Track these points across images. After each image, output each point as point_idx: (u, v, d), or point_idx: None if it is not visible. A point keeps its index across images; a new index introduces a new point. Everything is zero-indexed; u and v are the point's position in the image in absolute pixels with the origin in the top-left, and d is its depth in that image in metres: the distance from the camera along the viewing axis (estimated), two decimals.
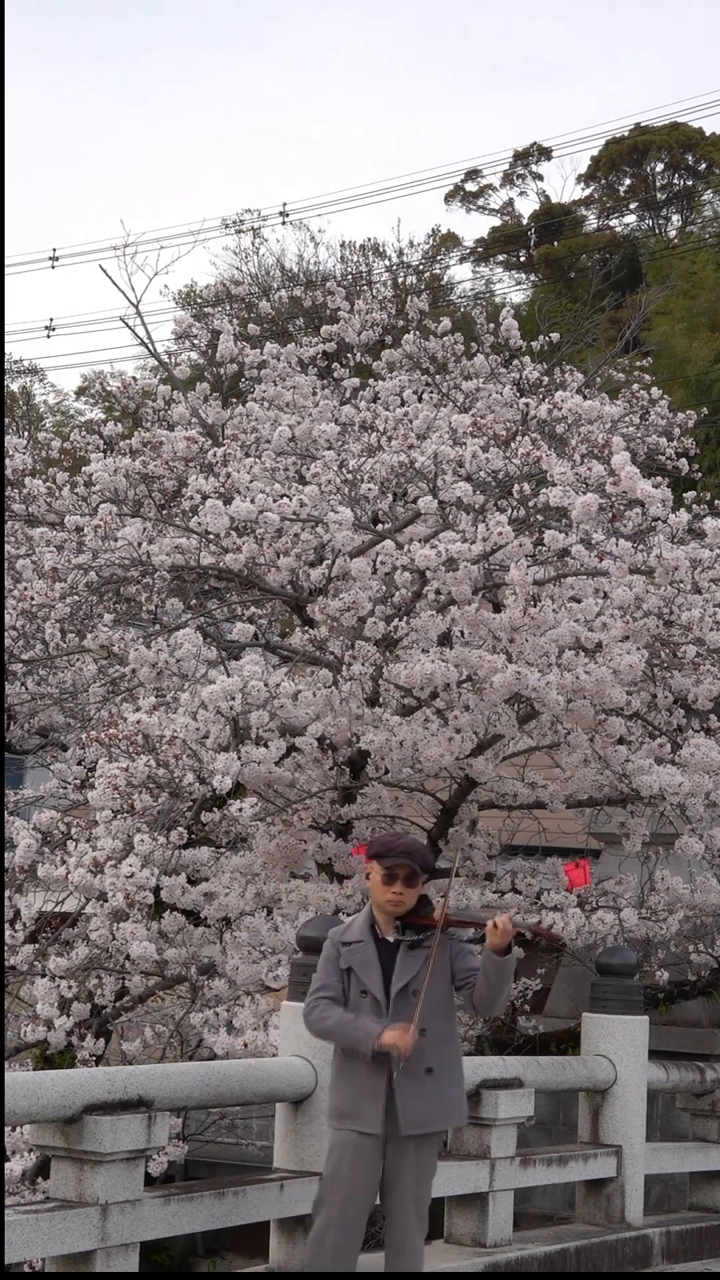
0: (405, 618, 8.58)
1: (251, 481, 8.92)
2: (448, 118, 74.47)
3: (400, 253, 42.68)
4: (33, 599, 9.35)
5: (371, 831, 9.77)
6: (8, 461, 10.69)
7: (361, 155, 73.08)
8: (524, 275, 44.03)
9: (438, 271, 43.66)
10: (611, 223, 44.18)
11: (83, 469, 10.29)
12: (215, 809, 8.51)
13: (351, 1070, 5.87)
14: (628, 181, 44.28)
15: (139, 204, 71.02)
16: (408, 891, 5.91)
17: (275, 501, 8.67)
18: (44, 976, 8.65)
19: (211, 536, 8.73)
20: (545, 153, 44.94)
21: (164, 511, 9.79)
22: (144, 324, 11.70)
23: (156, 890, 8.25)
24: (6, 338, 40.94)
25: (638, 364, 12.94)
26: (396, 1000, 5.84)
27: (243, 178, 76.18)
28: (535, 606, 8.05)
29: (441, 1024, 5.93)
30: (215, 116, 76.90)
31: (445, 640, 8.45)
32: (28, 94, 78.83)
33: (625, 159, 43.78)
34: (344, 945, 5.96)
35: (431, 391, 11.75)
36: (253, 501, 8.59)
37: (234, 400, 11.42)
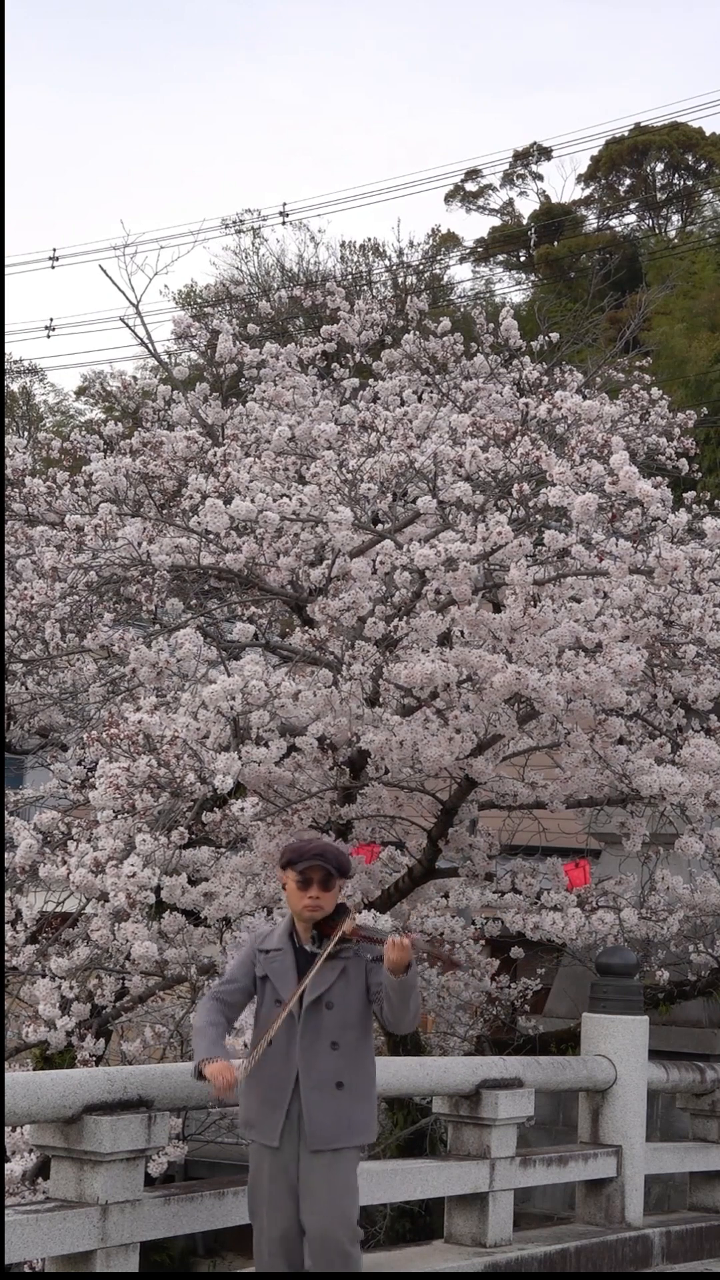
0: (405, 618, 8.58)
1: (251, 481, 8.92)
2: (448, 118, 74.49)
3: (400, 253, 42.71)
4: (33, 599, 9.35)
5: (371, 831, 9.78)
6: (8, 461, 10.69)
7: (362, 156, 73.11)
8: (524, 275, 44.04)
9: (438, 271, 43.68)
10: (611, 223, 44.19)
11: (83, 469, 10.29)
12: (216, 809, 8.51)
13: (256, 1078, 5.76)
14: (628, 181, 44.30)
15: (139, 204, 71.08)
16: (324, 896, 5.80)
17: (275, 501, 8.67)
18: (44, 977, 8.65)
19: (211, 536, 8.73)
20: (545, 153, 44.98)
21: (164, 511, 9.79)
22: (144, 324, 11.71)
23: (157, 890, 8.24)
24: (6, 338, 40.94)
25: (638, 364, 12.93)
26: (309, 1011, 5.75)
27: (243, 178, 76.21)
28: (535, 606, 8.05)
29: (355, 1038, 5.81)
30: (216, 117, 76.93)
31: (445, 640, 8.44)
32: (29, 94, 78.85)
33: (625, 159, 43.79)
34: (262, 953, 5.89)
35: (431, 391, 11.75)
36: (253, 501, 8.59)
37: (234, 400, 11.42)
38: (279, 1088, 5.71)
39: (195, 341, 11.53)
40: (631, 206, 44.44)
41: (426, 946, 6.13)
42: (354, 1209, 5.79)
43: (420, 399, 11.55)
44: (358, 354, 12.40)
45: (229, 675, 8.33)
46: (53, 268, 40.43)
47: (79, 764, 10.76)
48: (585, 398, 9.36)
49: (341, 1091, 5.73)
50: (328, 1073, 5.72)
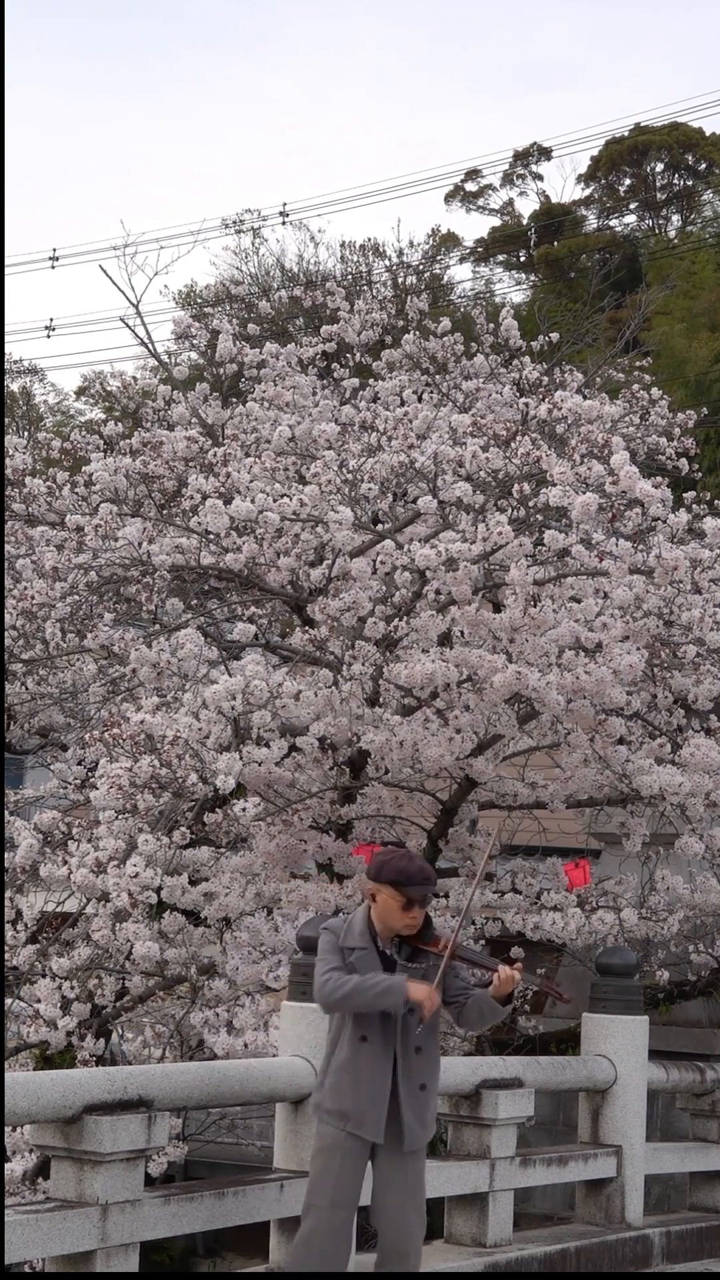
0: (405, 618, 8.58)
1: (251, 481, 8.92)
2: (448, 118, 74.48)
3: (400, 253, 42.70)
4: (33, 599, 9.36)
5: (371, 831, 9.77)
6: (8, 461, 10.69)
7: (362, 156, 73.10)
8: (524, 275, 44.04)
9: (438, 271, 43.67)
10: (611, 223, 44.19)
11: (83, 469, 10.29)
12: (217, 809, 8.51)
13: (354, 1071, 5.84)
14: (628, 181, 44.29)
15: (139, 204, 71.09)
16: (421, 914, 5.92)
17: (275, 501, 8.67)
18: (45, 976, 8.65)
19: (211, 536, 8.73)
20: (545, 153, 44.96)
21: (164, 511, 9.79)
22: (144, 324, 11.71)
23: (157, 890, 8.25)
24: (6, 338, 40.95)
25: (638, 364, 12.94)
26: (405, 1016, 5.83)
27: (243, 178, 76.21)
28: (535, 606, 8.05)
29: (432, 1042, 6.02)
30: (216, 118, 76.92)
31: (445, 640, 8.44)
32: (29, 94, 78.86)
33: (625, 159, 43.78)
34: (347, 949, 5.93)
35: (431, 391, 11.75)
36: (253, 501, 8.59)
37: (234, 400, 11.42)
38: (381, 1087, 5.84)
39: (195, 341, 11.54)
40: (631, 206, 44.43)
41: (536, 980, 6.29)
42: (424, 1197, 6.05)
43: (420, 399, 11.56)
44: (358, 354, 12.40)
45: (230, 675, 8.33)
46: (53, 268, 40.45)
47: (79, 764, 10.76)
48: (585, 398, 9.36)
49: (424, 1094, 5.95)
50: (416, 1076, 5.92)
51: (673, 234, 43.81)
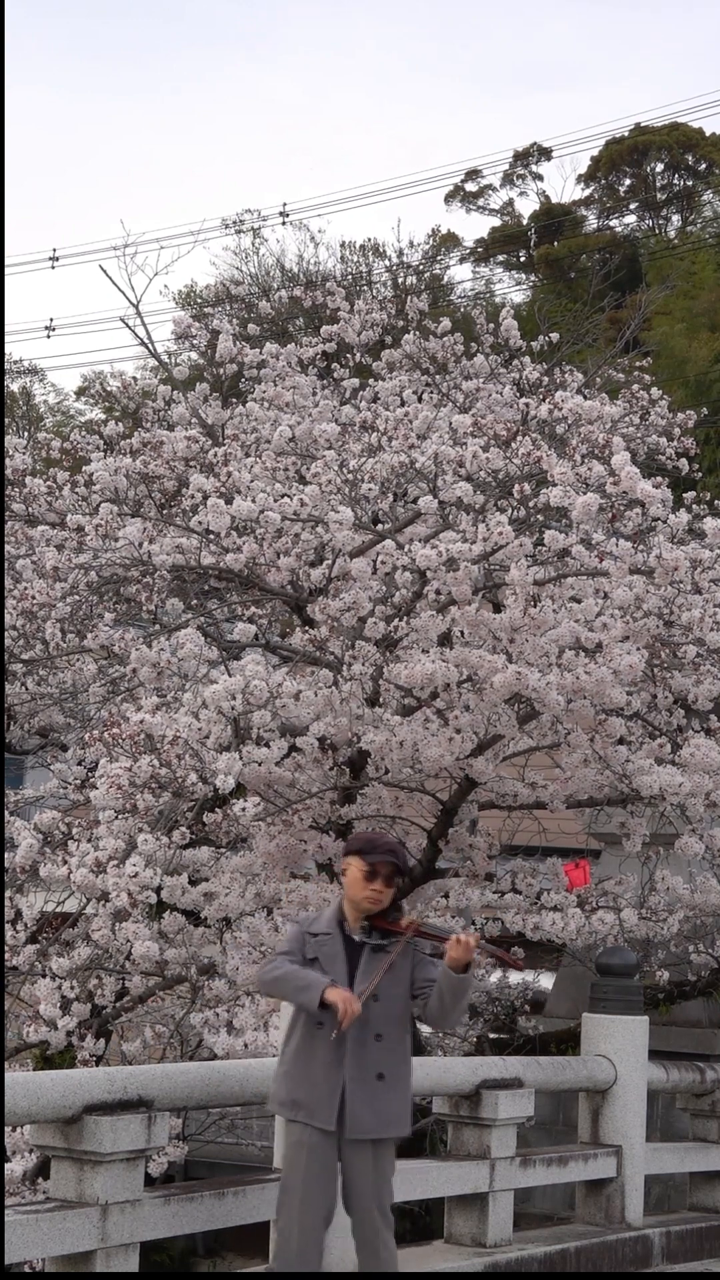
0: (405, 618, 8.58)
1: (252, 481, 8.92)
2: (448, 118, 74.51)
3: (400, 253, 42.73)
4: (33, 599, 9.35)
5: (371, 832, 9.77)
6: (8, 461, 10.69)
7: (362, 156, 73.11)
8: (524, 275, 44.06)
9: (438, 271, 43.69)
10: (611, 223, 44.21)
11: (83, 469, 10.29)
12: (217, 809, 8.51)
13: (307, 1060, 5.83)
14: (628, 182, 44.31)
15: (139, 204, 71.11)
16: (386, 891, 5.88)
17: (276, 501, 8.67)
18: (45, 976, 8.65)
19: (212, 536, 8.73)
20: (545, 153, 44.99)
21: (164, 511, 9.79)
22: (144, 324, 11.70)
23: (157, 890, 8.25)
24: (6, 338, 40.94)
25: (638, 364, 12.93)
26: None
27: (243, 178, 76.22)
28: (535, 606, 8.05)
29: (396, 1031, 5.91)
30: (216, 118, 76.94)
31: (445, 640, 8.44)
32: (29, 94, 78.85)
33: (625, 159, 43.80)
34: (310, 935, 5.93)
35: (431, 391, 11.74)
36: (254, 501, 8.58)
37: (234, 400, 11.42)
38: (333, 1073, 5.79)
39: (195, 341, 11.53)
40: (631, 207, 44.45)
41: (491, 949, 6.24)
42: (390, 1198, 5.95)
43: (420, 399, 11.55)
44: (358, 354, 12.40)
45: (230, 675, 8.33)
46: (53, 268, 40.48)
47: (79, 764, 10.76)
48: (585, 398, 9.35)
49: (381, 1083, 5.83)
50: (370, 1064, 5.81)
51: (673, 234, 43.83)
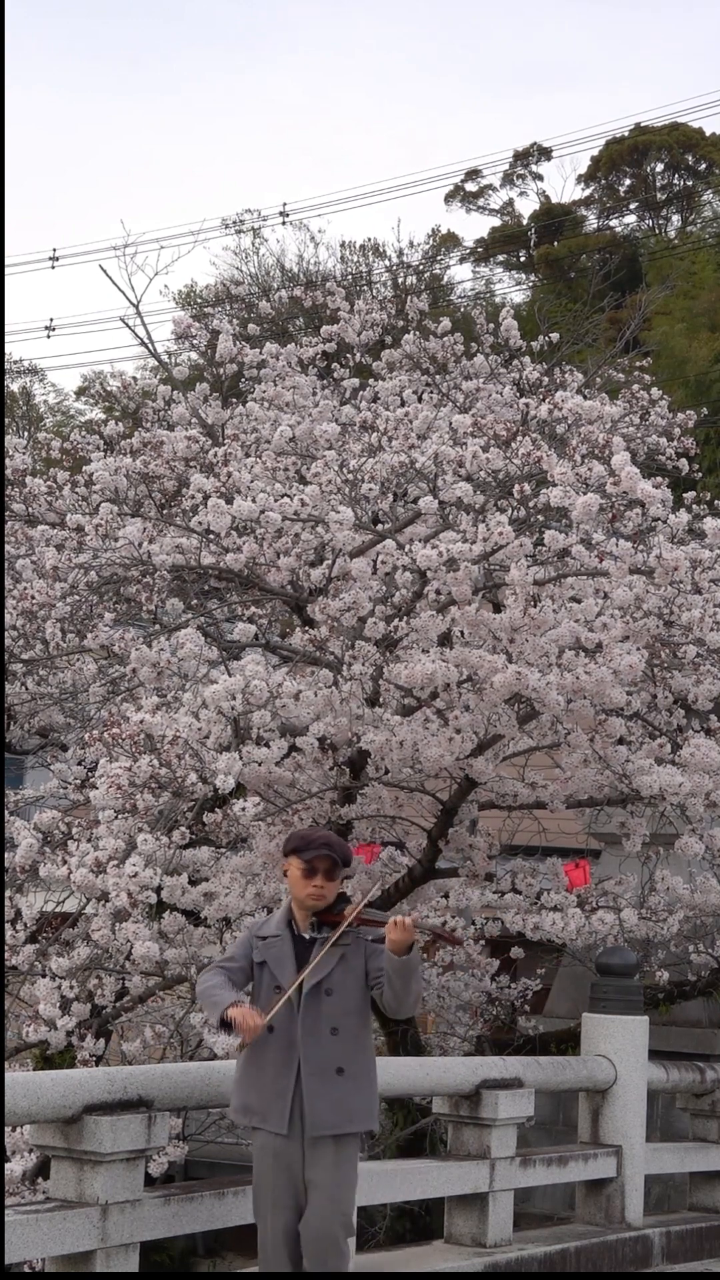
0: (405, 618, 8.58)
1: (252, 481, 8.92)
2: (449, 118, 74.51)
3: (400, 253, 42.73)
4: (33, 599, 9.35)
5: (371, 831, 9.78)
6: (8, 461, 10.69)
7: (362, 156, 73.11)
8: (524, 275, 44.05)
9: (438, 271, 43.69)
10: (611, 223, 44.20)
11: (83, 469, 10.28)
12: (217, 809, 8.51)
13: (257, 1066, 5.80)
14: (628, 182, 44.30)
15: (139, 204, 71.11)
16: (328, 885, 5.86)
17: (276, 501, 8.67)
18: (44, 976, 8.65)
19: (212, 536, 8.73)
20: (545, 153, 44.98)
21: (164, 511, 9.79)
22: (144, 324, 11.70)
23: (157, 890, 8.25)
24: (6, 338, 40.94)
25: (638, 364, 12.93)
26: (308, 997, 5.77)
27: (244, 178, 76.21)
28: (535, 606, 8.05)
29: (354, 1024, 5.84)
30: (217, 118, 76.93)
31: (445, 640, 8.44)
32: (29, 95, 78.85)
33: (625, 159, 43.79)
34: (260, 939, 5.93)
35: (431, 391, 11.74)
36: (254, 501, 8.59)
37: (234, 400, 11.42)
38: (283, 1075, 5.73)
39: (195, 341, 11.53)
40: (631, 207, 44.44)
41: (429, 926, 6.21)
42: (351, 1200, 5.84)
43: (420, 399, 11.55)
44: (358, 354, 12.40)
45: (230, 675, 8.33)
46: (53, 268, 40.46)
47: (79, 764, 10.76)
48: (585, 398, 9.35)
49: (342, 1078, 5.76)
50: (328, 1059, 5.75)
51: (673, 234, 43.81)
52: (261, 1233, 5.83)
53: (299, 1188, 5.75)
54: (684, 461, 11.70)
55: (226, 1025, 5.68)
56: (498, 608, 8.39)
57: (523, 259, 44.37)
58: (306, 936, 5.88)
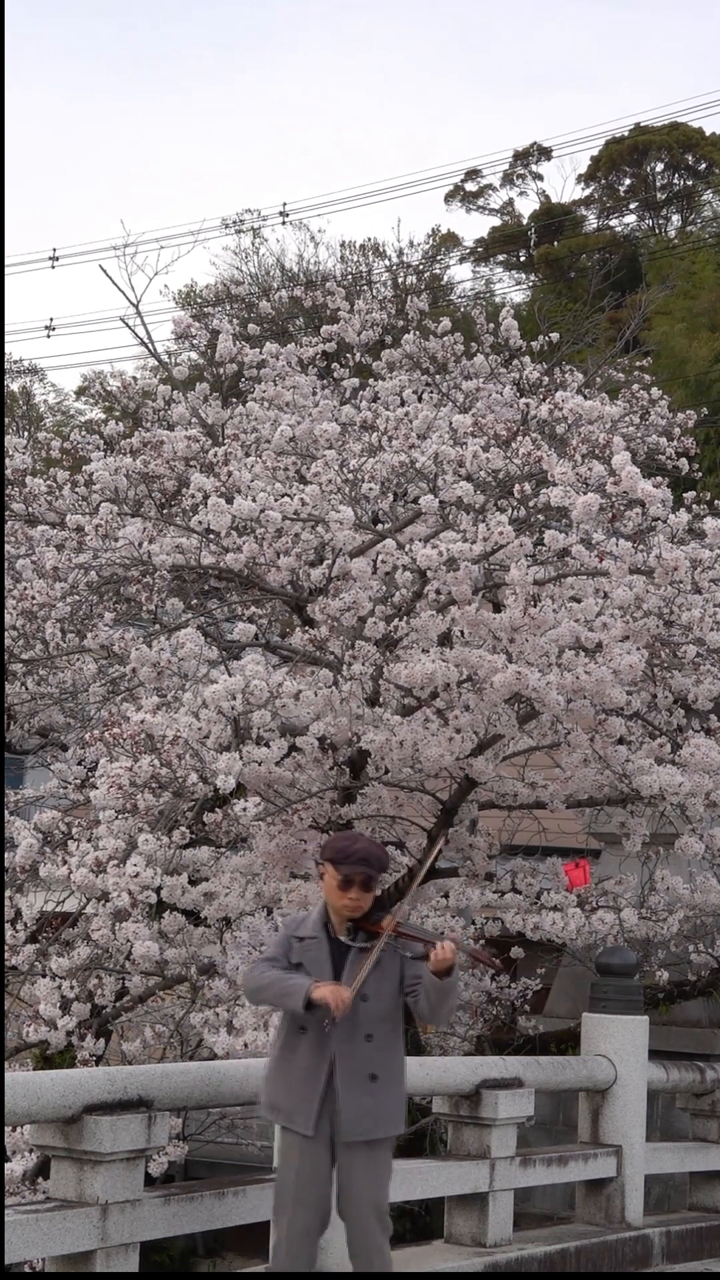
0: (405, 617, 8.58)
1: (252, 481, 8.92)
2: (449, 118, 74.52)
3: (400, 253, 42.72)
4: (33, 599, 9.35)
5: (371, 831, 9.77)
6: (8, 461, 10.69)
7: (363, 156, 73.12)
8: (524, 275, 44.05)
9: (438, 271, 43.68)
10: (611, 223, 44.19)
11: (83, 469, 10.29)
12: (217, 809, 8.51)
13: (288, 1065, 5.82)
14: (628, 181, 44.29)
15: (140, 205, 71.10)
16: (364, 896, 5.85)
17: (276, 501, 8.67)
18: (45, 976, 8.65)
19: (212, 536, 8.73)
20: (545, 153, 44.97)
21: (164, 511, 9.79)
22: (144, 324, 11.71)
23: (157, 890, 8.25)
24: (6, 338, 40.94)
25: (638, 364, 12.94)
26: (327, 1024, 5.77)
27: (244, 179, 76.23)
28: (535, 606, 8.05)
29: (388, 1030, 5.88)
30: (218, 118, 76.95)
31: (445, 640, 8.44)
32: (29, 95, 78.86)
33: (625, 159, 43.79)
34: (297, 939, 5.92)
35: (431, 391, 11.75)
36: (254, 500, 8.58)
37: (234, 400, 11.42)
38: (313, 1077, 5.76)
39: (195, 341, 11.53)
40: (631, 206, 44.43)
41: (470, 949, 6.22)
42: (386, 1201, 5.91)
43: (420, 399, 11.55)
44: (358, 354, 12.40)
45: (230, 675, 8.33)
46: (53, 268, 40.46)
47: (79, 764, 10.77)
48: (585, 398, 9.35)
49: (375, 1084, 5.80)
50: (362, 1065, 5.78)
51: (673, 234, 43.81)
52: (277, 1230, 5.84)
53: (325, 1189, 5.80)
54: (684, 461, 11.70)
55: (309, 1006, 5.67)
56: (498, 608, 8.39)
57: (523, 259, 44.37)
58: (343, 940, 5.88)
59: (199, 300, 36.66)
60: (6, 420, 39.96)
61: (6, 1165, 8.19)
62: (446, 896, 9.73)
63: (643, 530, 8.55)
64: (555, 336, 13.12)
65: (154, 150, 77.46)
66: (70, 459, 11.41)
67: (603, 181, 44.25)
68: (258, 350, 11.68)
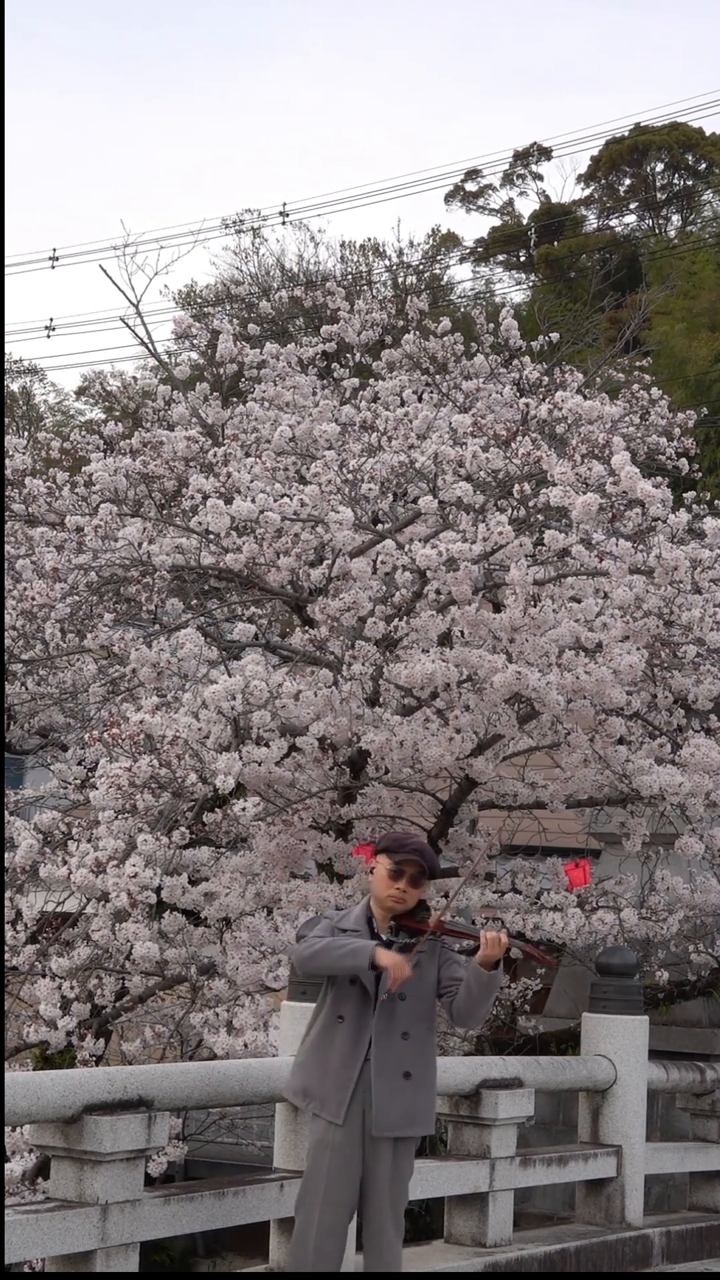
0: (405, 618, 8.58)
1: (252, 481, 8.92)
2: (449, 119, 74.54)
3: (400, 253, 42.72)
4: (33, 599, 9.35)
5: (371, 831, 9.77)
6: (8, 461, 10.70)
7: (363, 156, 73.13)
8: (524, 275, 44.05)
9: (438, 271, 43.68)
10: (611, 223, 44.20)
11: (83, 469, 10.29)
12: (217, 809, 8.51)
13: (324, 1053, 5.83)
14: (628, 181, 44.29)
15: (142, 206, 71.10)
16: (411, 891, 5.87)
17: (276, 501, 8.67)
18: (45, 976, 8.65)
19: (212, 536, 8.73)
20: (545, 153, 44.97)
21: (164, 511, 9.80)
22: (144, 324, 11.71)
23: (157, 890, 8.25)
24: (6, 338, 40.94)
25: (638, 364, 12.94)
26: (384, 1000, 5.79)
27: (246, 179, 76.23)
28: (535, 606, 8.05)
29: (423, 1029, 5.90)
30: (219, 119, 76.96)
31: (445, 640, 8.45)
32: (30, 95, 78.88)
33: (625, 159, 43.79)
34: (341, 931, 5.91)
35: (431, 391, 11.75)
36: (254, 501, 8.59)
37: (234, 400, 11.42)
38: (348, 1068, 5.77)
39: (195, 341, 11.53)
40: (631, 206, 44.44)
41: (521, 943, 6.22)
42: (404, 1200, 5.93)
43: (420, 399, 11.55)
44: (358, 354, 12.40)
45: (230, 675, 8.33)
46: (53, 268, 40.49)
47: (79, 764, 10.77)
48: (585, 398, 9.36)
49: (408, 1081, 5.82)
50: (397, 1062, 5.80)
51: (673, 234, 43.81)
52: (304, 1224, 5.83)
53: (354, 1187, 5.82)
54: (684, 461, 11.70)
55: (373, 969, 5.67)
56: (498, 608, 8.40)
57: (523, 259, 44.37)
58: (384, 937, 5.89)
59: (199, 300, 36.69)
60: (6, 420, 39.96)
61: (6, 1165, 8.20)
62: (447, 896, 9.72)
63: (643, 530, 8.56)
64: (555, 336, 13.12)
65: (154, 150, 77.54)
66: (70, 459, 11.42)
67: (603, 181, 44.25)
68: (258, 350, 11.68)
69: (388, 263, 42.73)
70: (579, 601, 8.37)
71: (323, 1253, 5.79)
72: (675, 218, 44.91)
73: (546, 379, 12.09)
